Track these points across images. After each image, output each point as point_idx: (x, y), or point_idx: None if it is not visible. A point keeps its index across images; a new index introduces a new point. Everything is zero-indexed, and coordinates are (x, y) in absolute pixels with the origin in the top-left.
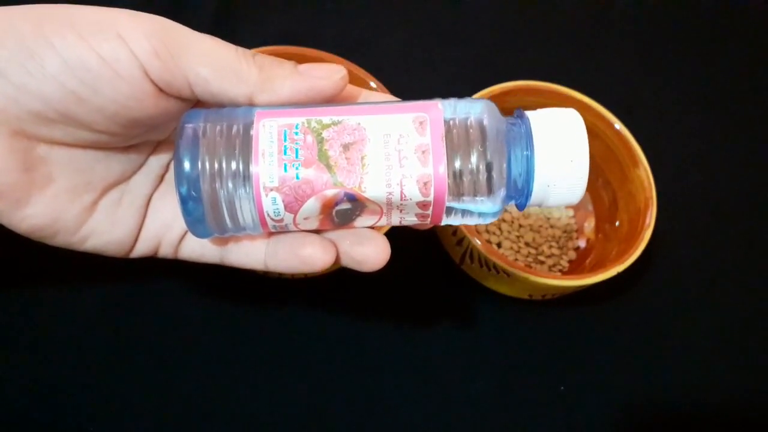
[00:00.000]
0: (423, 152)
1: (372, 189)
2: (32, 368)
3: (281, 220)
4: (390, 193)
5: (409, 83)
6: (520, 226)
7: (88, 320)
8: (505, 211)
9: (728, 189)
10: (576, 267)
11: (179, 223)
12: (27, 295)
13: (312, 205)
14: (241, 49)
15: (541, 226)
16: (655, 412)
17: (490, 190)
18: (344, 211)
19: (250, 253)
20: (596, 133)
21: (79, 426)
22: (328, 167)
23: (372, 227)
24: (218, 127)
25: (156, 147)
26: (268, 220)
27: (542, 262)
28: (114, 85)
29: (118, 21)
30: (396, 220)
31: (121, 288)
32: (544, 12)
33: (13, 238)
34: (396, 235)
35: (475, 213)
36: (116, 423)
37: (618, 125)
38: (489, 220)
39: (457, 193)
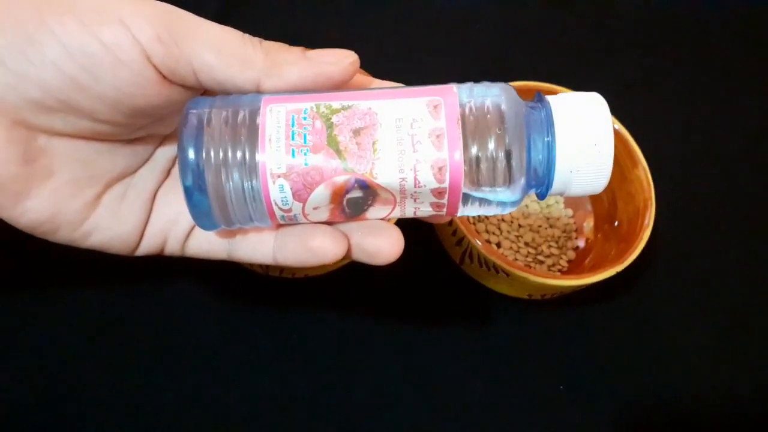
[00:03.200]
0: (437, 137)
1: (384, 175)
2: (32, 370)
3: (290, 210)
4: (403, 180)
5: (409, 84)
6: (520, 226)
7: (89, 322)
8: None
9: (728, 189)
10: (575, 267)
11: (186, 219)
12: (28, 299)
13: (321, 193)
14: (247, 35)
15: (540, 226)
16: (655, 412)
17: (509, 178)
18: (355, 199)
19: (258, 247)
20: None
21: (79, 427)
22: (338, 153)
23: (385, 219)
24: (224, 113)
25: (163, 140)
26: (276, 209)
27: (541, 262)
28: (116, 71)
29: (120, 7)
30: (410, 210)
31: (123, 291)
32: (544, 13)
33: (14, 240)
34: None
35: (493, 202)
36: (117, 424)
37: (618, 125)
38: (508, 210)
39: (474, 180)
